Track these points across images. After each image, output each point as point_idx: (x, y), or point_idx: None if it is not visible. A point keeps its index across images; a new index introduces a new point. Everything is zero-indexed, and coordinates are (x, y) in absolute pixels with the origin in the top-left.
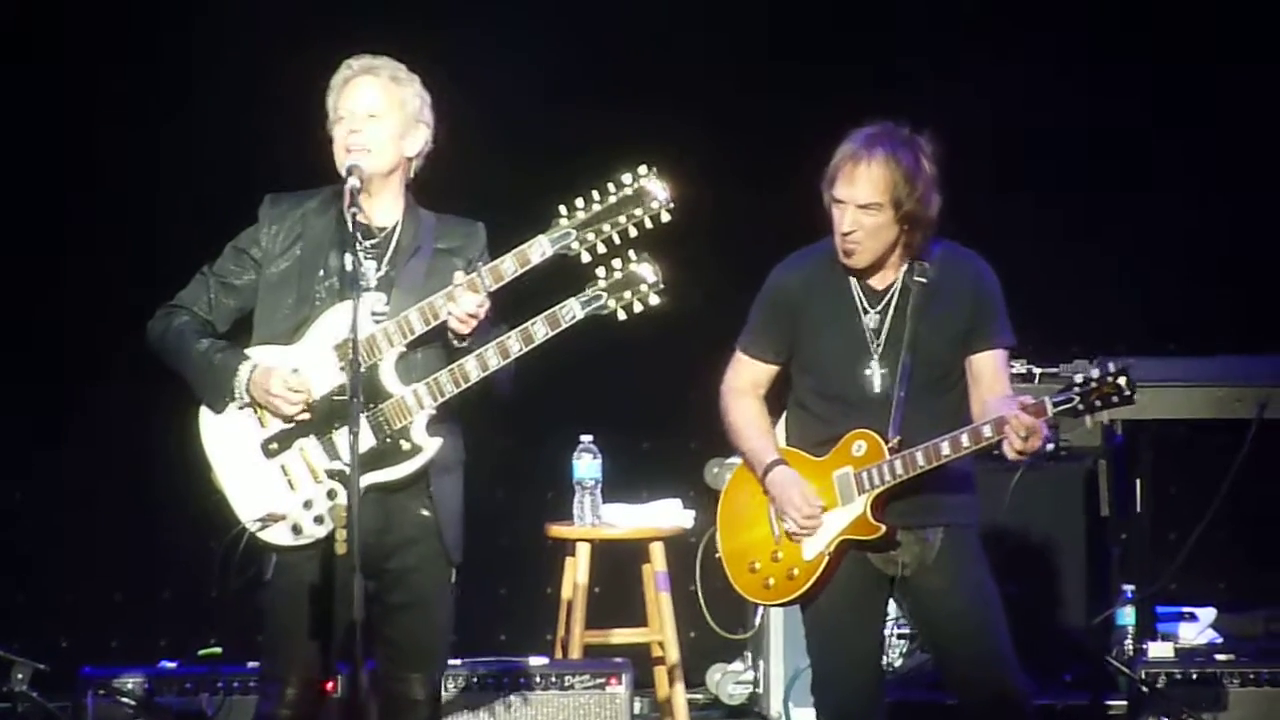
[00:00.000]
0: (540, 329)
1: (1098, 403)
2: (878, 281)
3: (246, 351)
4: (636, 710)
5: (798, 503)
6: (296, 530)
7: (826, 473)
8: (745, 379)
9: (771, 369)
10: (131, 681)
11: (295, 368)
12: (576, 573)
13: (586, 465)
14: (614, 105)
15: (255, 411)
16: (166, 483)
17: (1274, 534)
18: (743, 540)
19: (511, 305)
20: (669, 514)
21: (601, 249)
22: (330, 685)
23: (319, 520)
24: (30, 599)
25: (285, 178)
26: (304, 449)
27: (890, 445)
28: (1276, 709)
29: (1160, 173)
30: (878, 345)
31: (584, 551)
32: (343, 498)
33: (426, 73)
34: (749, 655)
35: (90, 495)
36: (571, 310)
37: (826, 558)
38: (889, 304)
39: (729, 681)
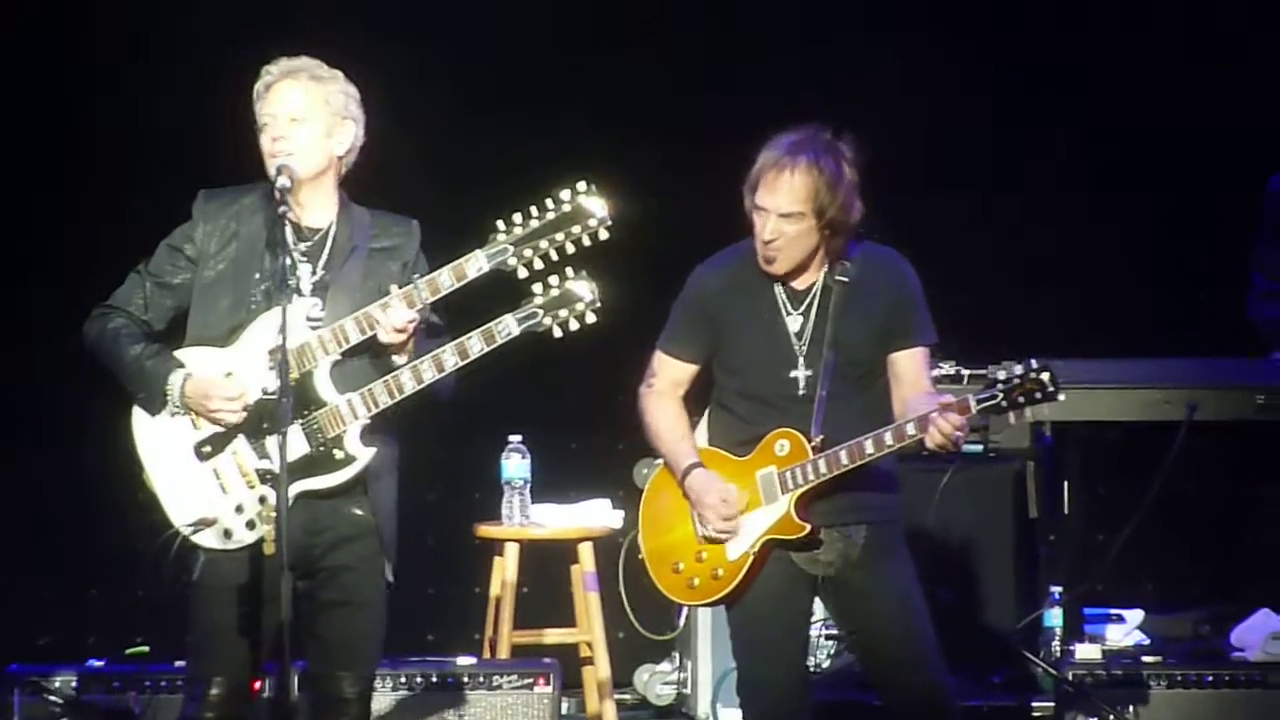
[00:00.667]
0: (476, 344)
1: (1021, 399)
2: (799, 283)
3: (179, 354)
4: (564, 710)
5: (716, 505)
6: (227, 535)
7: (749, 472)
8: (665, 379)
9: (691, 369)
10: (59, 679)
11: (229, 371)
12: (505, 572)
13: (515, 465)
14: (538, 114)
15: (190, 415)
16: (95, 481)
17: (1203, 536)
18: (665, 541)
19: (447, 316)
20: (598, 514)
21: (539, 265)
22: (257, 685)
23: (250, 525)
24: None
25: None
26: (237, 452)
27: (813, 444)
28: (1202, 711)
29: (1086, 175)
30: (801, 346)
31: (512, 551)
32: (273, 499)
33: (361, 79)
34: (677, 655)
35: (18, 493)
36: (507, 327)
37: (751, 557)
38: (810, 304)
39: (657, 682)
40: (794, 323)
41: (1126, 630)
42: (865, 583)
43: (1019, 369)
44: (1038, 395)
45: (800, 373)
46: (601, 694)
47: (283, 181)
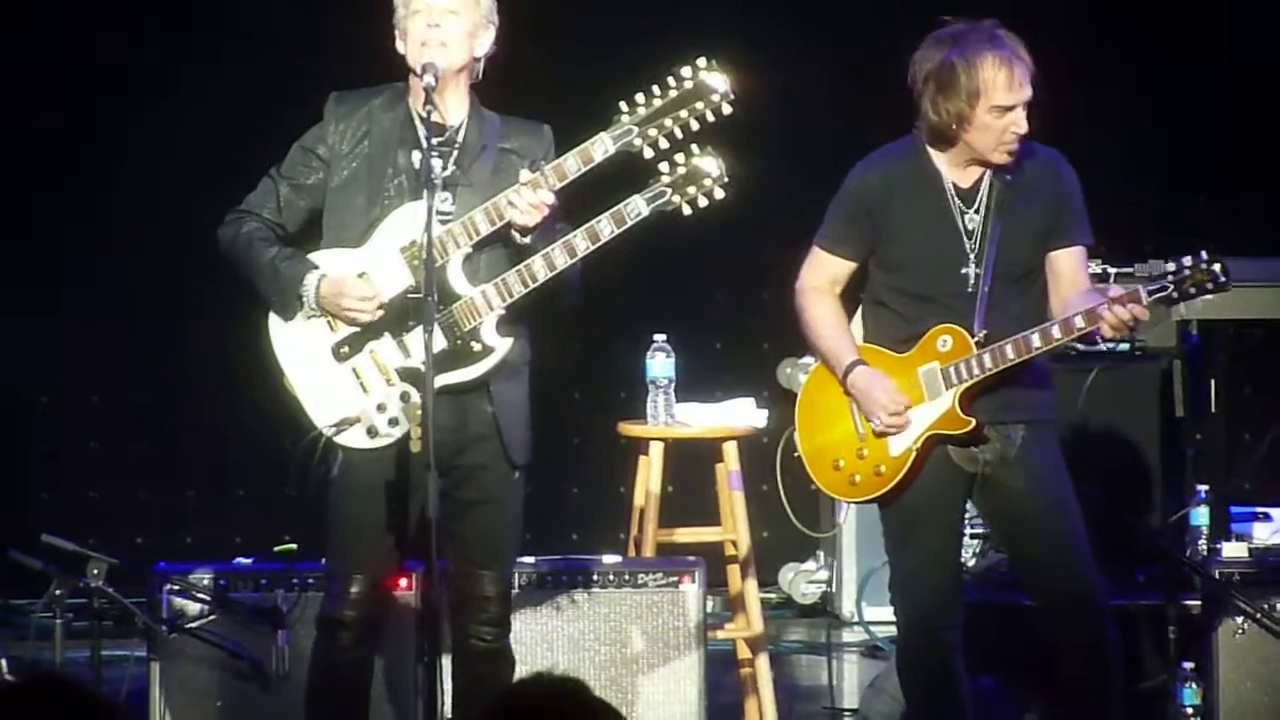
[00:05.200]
0: (606, 227)
1: (1191, 290)
2: (965, 179)
3: (312, 257)
4: (709, 609)
5: (883, 400)
6: (372, 433)
7: (911, 369)
8: (823, 276)
9: (850, 266)
10: (206, 577)
11: (363, 271)
12: (650, 472)
13: (660, 364)
14: None
15: (325, 317)
16: (241, 380)
17: None
18: (824, 438)
19: (576, 208)
20: (742, 413)
21: (664, 144)
22: (403, 582)
23: (393, 422)
24: (104, 496)
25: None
26: (375, 351)
27: (976, 339)
28: None
29: (1233, 75)
30: (972, 244)
31: (657, 450)
32: (416, 398)
33: None
34: (822, 555)
35: (163, 393)
36: (637, 207)
37: (914, 454)
38: (981, 202)
39: (802, 581)
40: (969, 220)
41: (1274, 529)
42: (1020, 481)
43: (1188, 260)
44: (1209, 286)
45: (971, 270)
46: (746, 593)
47: (428, 80)
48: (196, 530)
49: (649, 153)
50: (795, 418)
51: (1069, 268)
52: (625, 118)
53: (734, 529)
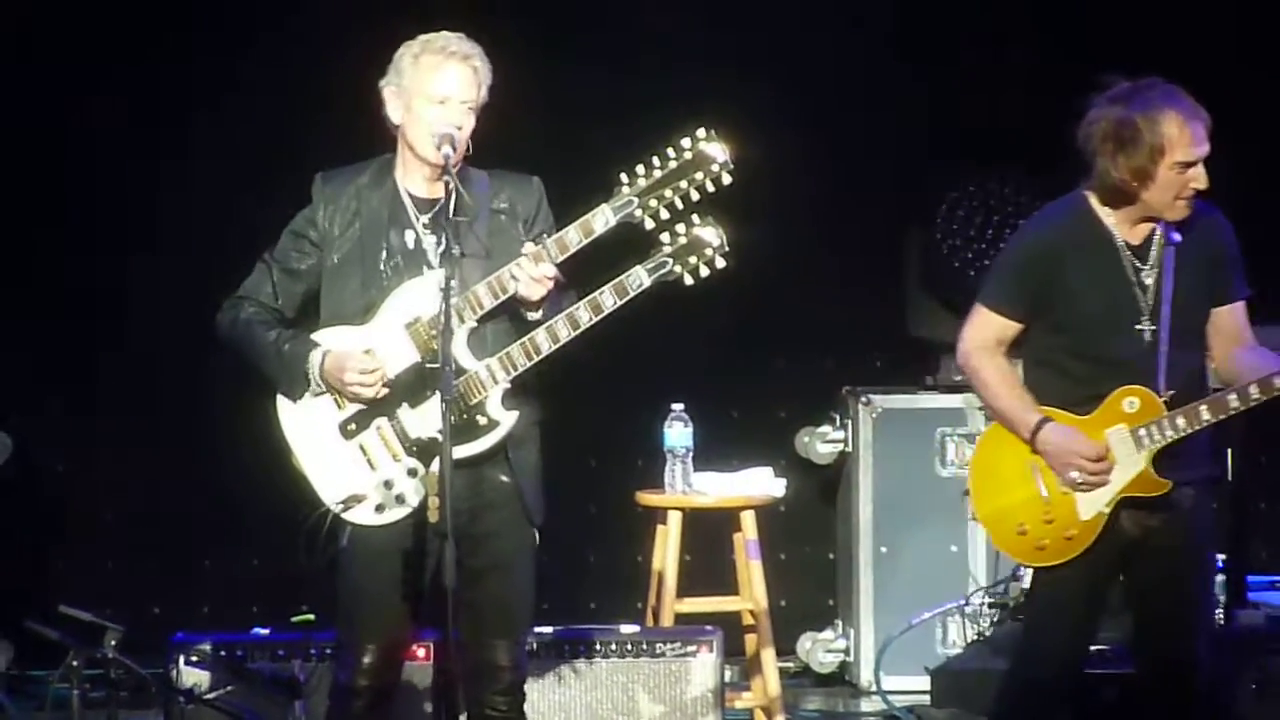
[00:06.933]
0: (608, 298)
1: None
2: (1136, 236)
3: (315, 336)
4: (727, 678)
5: (1084, 450)
6: (379, 509)
7: (1096, 431)
8: (989, 336)
9: (1017, 327)
10: (223, 648)
11: (368, 349)
12: (668, 541)
13: (678, 434)
14: (674, 62)
15: (331, 394)
16: (258, 449)
17: None
18: (1005, 501)
19: (585, 277)
20: (760, 482)
21: (665, 215)
22: (420, 653)
23: (400, 499)
24: (120, 566)
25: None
26: (381, 429)
27: (1164, 399)
28: None
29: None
30: (1147, 302)
31: (675, 520)
32: (424, 473)
33: (480, 36)
34: (840, 623)
35: (180, 461)
36: (638, 278)
37: (1106, 516)
38: (1155, 259)
39: (819, 650)
40: (1146, 277)
41: None
42: (1175, 539)
43: None
44: None
45: (1145, 327)
46: (764, 661)
47: (446, 150)
48: (213, 599)
49: (650, 223)
50: (970, 481)
51: (1232, 323)
52: (626, 189)
53: (751, 598)
